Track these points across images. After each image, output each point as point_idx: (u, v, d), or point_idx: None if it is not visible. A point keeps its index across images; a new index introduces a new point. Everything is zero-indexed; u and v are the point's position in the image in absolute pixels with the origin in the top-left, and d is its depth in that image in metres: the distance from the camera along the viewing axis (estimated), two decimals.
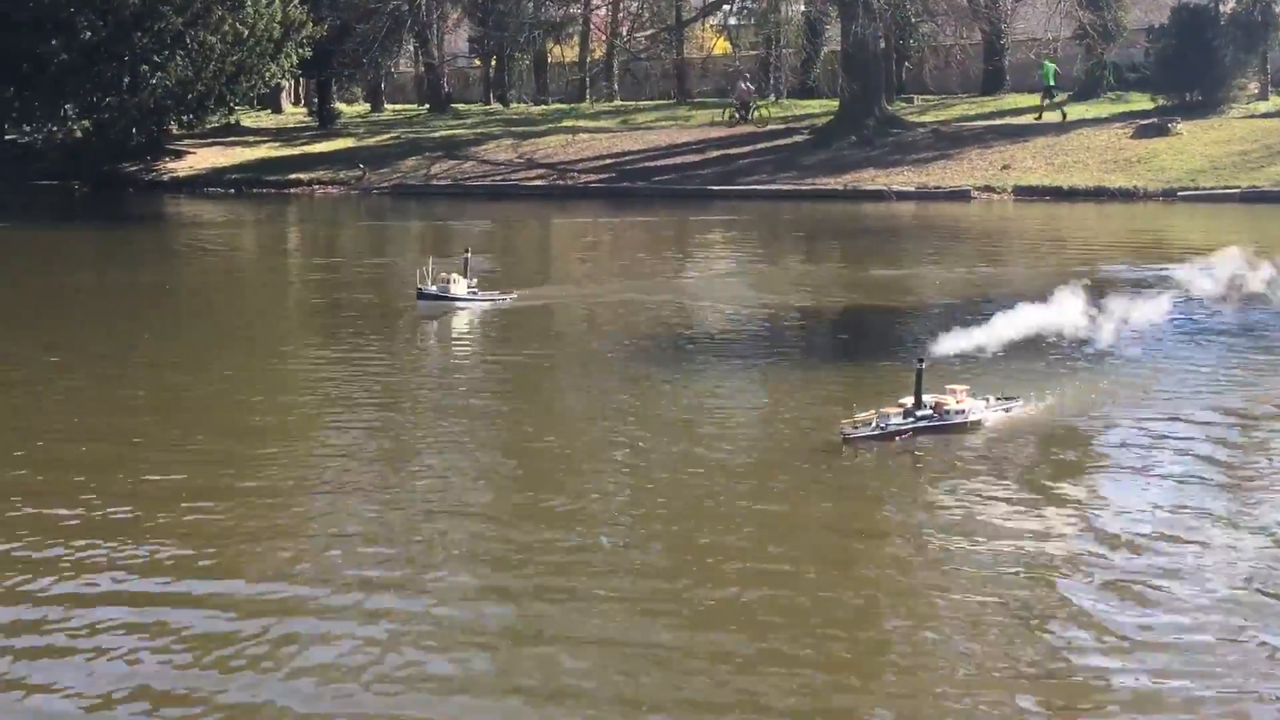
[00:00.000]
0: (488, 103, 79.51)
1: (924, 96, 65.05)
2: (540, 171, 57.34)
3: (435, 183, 57.88)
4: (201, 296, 30.12)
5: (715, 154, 56.15)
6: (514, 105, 77.43)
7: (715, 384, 18.27)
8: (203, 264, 37.13)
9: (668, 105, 70.08)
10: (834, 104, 58.83)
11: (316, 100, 77.53)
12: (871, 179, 51.32)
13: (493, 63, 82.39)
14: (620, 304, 26.04)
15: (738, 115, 60.76)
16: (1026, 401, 16.15)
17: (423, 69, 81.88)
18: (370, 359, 21.02)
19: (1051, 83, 56.64)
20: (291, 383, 19.57)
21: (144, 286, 31.18)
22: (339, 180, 59.82)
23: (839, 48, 60.35)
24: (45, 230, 48.16)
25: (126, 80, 62.76)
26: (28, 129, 71.19)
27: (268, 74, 65.56)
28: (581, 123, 65.12)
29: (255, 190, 60.19)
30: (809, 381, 18.60)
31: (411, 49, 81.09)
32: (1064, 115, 55.41)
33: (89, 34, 60.59)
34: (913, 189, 50.07)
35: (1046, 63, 57.37)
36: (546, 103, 76.37)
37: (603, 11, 77.35)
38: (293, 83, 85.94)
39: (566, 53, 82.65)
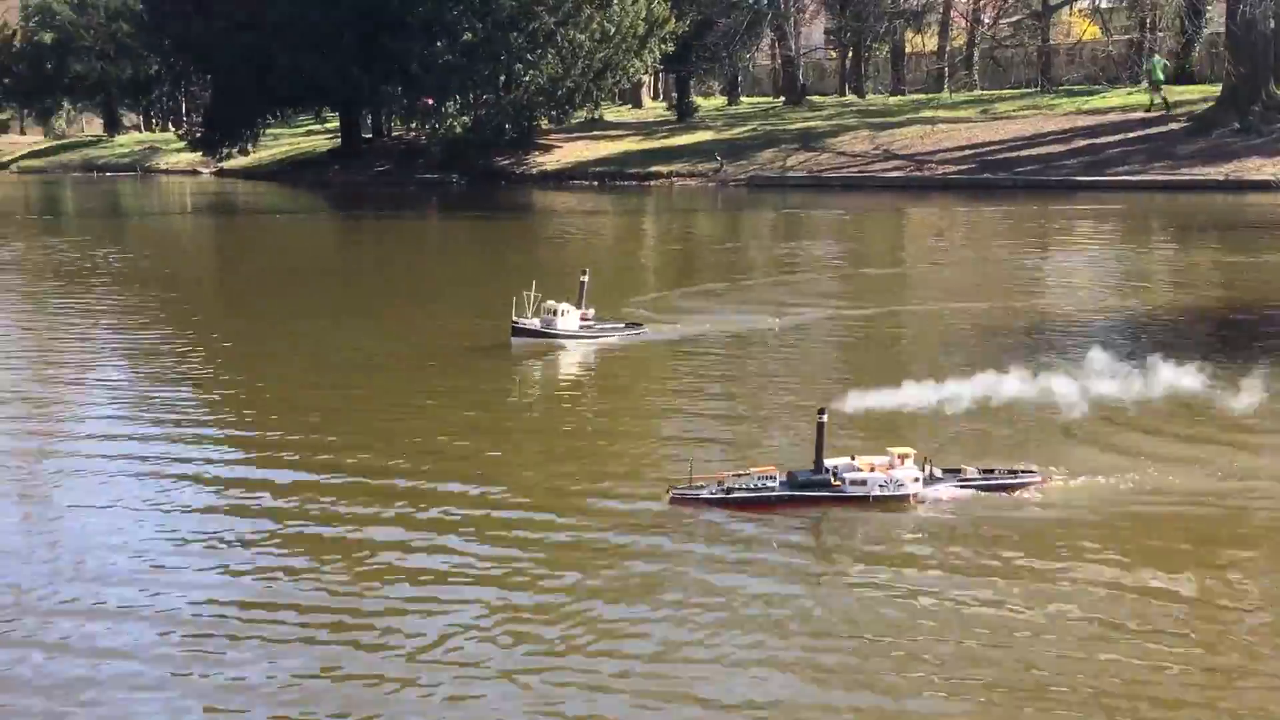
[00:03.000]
0: (843, 94, 79.27)
1: None
2: (897, 163, 56.65)
3: (791, 174, 58.26)
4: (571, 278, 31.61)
5: (1082, 144, 53.80)
6: (870, 96, 76.84)
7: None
8: (567, 250, 38.93)
9: (1031, 94, 67.66)
10: (1214, 89, 55.23)
11: (675, 94, 79.62)
12: (1257, 169, 47.84)
13: (849, 54, 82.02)
14: (978, 303, 25.31)
15: None
16: (1048, 476, 12.61)
17: (779, 61, 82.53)
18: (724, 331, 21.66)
19: (1160, 78, 56.20)
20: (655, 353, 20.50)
21: (522, 268, 33.13)
22: (696, 172, 61.18)
23: (1222, 29, 56.55)
24: (431, 221, 51.78)
25: (502, 79, 66.49)
26: (413, 127, 76.66)
27: (631, 70, 68.00)
28: (940, 113, 63.91)
29: (617, 182, 62.53)
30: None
31: (769, 42, 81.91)
32: (1168, 107, 54.86)
33: (469, 35, 64.50)
34: None
35: (1157, 58, 58.42)
36: (904, 93, 75.35)
37: None
38: (653, 78, 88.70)
39: (925, 42, 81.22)
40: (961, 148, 56.69)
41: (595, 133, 71.82)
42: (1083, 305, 24.71)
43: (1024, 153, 54.37)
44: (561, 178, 64.78)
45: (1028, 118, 59.95)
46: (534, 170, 66.87)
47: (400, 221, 50.75)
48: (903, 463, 12.13)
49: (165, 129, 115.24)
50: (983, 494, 12.24)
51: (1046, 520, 11.79)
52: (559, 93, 65.40)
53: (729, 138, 65.88)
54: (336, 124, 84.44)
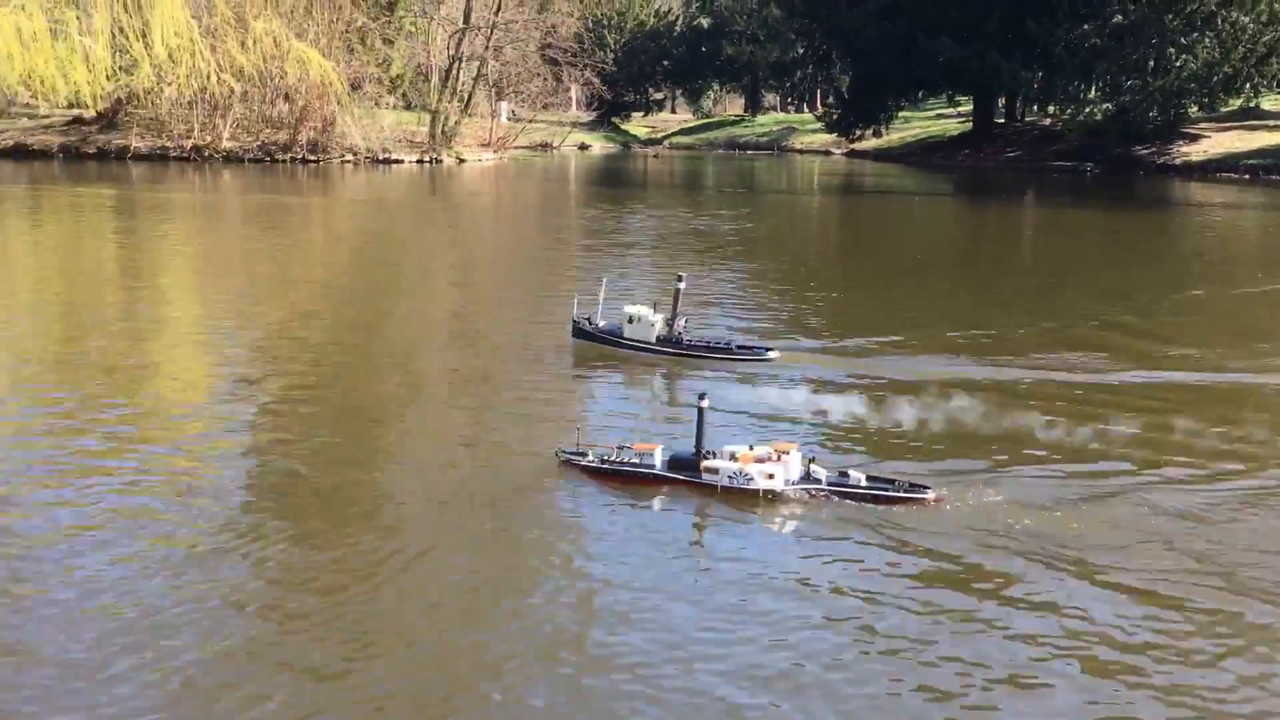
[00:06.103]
0: None
1: None
2: None
3: None
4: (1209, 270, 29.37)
5: None
6: None
7: None
8: (1202, 243, 36.22)
9: None
10: None
11: None
12: None
13: None
14: None
15: None
16: (942, 498, 11.99)
17: None
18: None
19: None
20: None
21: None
22: None
23: None
24: (1063, 210, 49.98)
25: (1151, 63, 62.82)
26: (1050, 111, 74.50)
27: None
28: None
29: (1273, 176, 57.12)
30: None
31: None
32: None
33: (1119, 18, 61.52)
34: None
35: None
36: None
37: None
38: None
39: None
40: None
41: (1251, 122, 66.24)
42: None
43: None
44: (1207, 169, 60.36)
45: None
46: (1176, 160, 62.84)
47: (1028, 209, 49.61)
48: (780, 459, 12.23)
49: (801, 110, 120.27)
50: (853, 503, 12.04)
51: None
52: (1214, 79, 60.94)
53: None
54: (968, 108, 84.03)
